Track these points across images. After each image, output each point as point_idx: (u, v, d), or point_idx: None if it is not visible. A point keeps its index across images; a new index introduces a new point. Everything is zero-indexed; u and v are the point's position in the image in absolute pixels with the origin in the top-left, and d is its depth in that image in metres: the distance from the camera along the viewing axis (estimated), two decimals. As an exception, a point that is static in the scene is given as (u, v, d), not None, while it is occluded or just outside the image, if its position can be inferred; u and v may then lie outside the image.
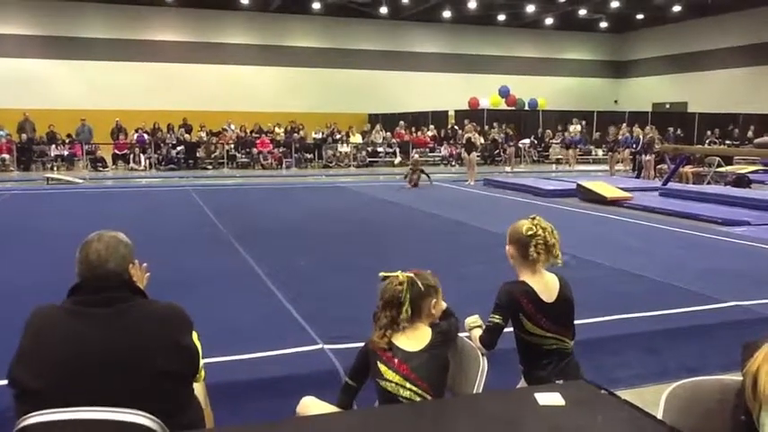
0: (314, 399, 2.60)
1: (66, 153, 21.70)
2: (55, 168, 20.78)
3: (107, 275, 2.15)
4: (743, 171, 16.93)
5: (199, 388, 2.44)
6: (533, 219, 2.95)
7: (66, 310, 2.11)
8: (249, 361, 4.33)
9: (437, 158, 25.41)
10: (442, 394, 2.53)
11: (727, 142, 26.06)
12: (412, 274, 2.54)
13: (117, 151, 22.41)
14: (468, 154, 18.09)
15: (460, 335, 2.90)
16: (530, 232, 2.88)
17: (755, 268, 7.34)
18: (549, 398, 2.22)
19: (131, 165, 21.94)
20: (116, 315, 2.08)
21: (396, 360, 2.46)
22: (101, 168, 21.45)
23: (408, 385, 2.42)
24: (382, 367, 2.47)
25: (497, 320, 2.87)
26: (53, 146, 21.67)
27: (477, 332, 2.97)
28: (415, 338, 2.51)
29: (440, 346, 2.54)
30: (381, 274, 2.57)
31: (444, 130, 26.76)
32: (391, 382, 2.44)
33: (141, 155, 22.16)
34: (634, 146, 19.77)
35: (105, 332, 2.05)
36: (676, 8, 29.65)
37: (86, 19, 28.03)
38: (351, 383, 2.61)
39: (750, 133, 26.23)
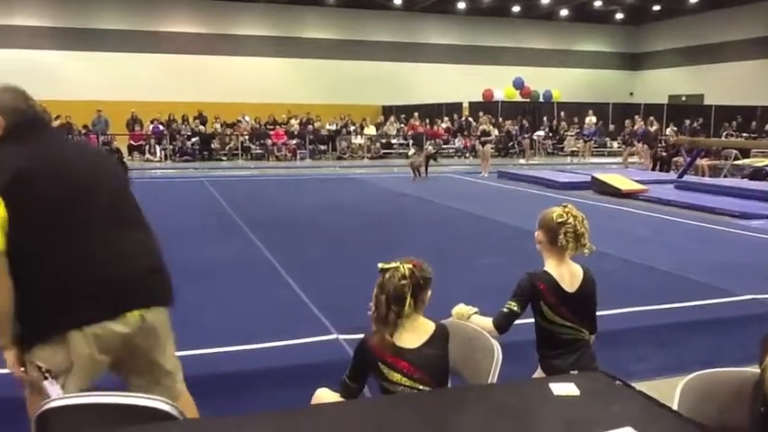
0: (328, 390, 2.59)
1: (82, 144, 21.83)
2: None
3: (37, 115, 2.57)
4: (760, 164, 16.76)
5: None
6: (565, 207, 2.95)
7: (39, 142, 2.46)
8: (264, 350, 4.37)
9: (451, 150, 25.35)
10: (446, 385, 2.49)
11: (744, 135, 25.80)
12: (411, 266, 2.44)
13: (133, 142, 22.54)
14: (483, 146, 18.04)
15: (468, 323, 2.90)
16: (560, 219, 2.88)
17: (772, 261, 7.29)
18: (564, 388, 2.22)
19: (147, 156, 22.07)
20: (70, 139, 2.57)
21: (399, 360, 2.39)
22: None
23: (413, 384, 2.37)
24: (385, 369, 2.39)
25: (514, 308, 2.88)
26: (69, 137, 21.80)
27: (479, 318, 2.97)
28: (414, 332, 2.43)
29: (442, 340, 2.47)
30: (380, 265, 2.44)
31: (458, 122, 26.68)
32: (395, 383, 2.38)
33: (157, 146, 22.28)
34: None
35: (81, 151, 2.72)
36: (692, -1, 29.39)
37: (102, 10, 28.16)
38: (353, 385, 2.51)
39: (768, 126, 25.96)
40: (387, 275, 2.40)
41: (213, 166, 20.27)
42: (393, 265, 2.43)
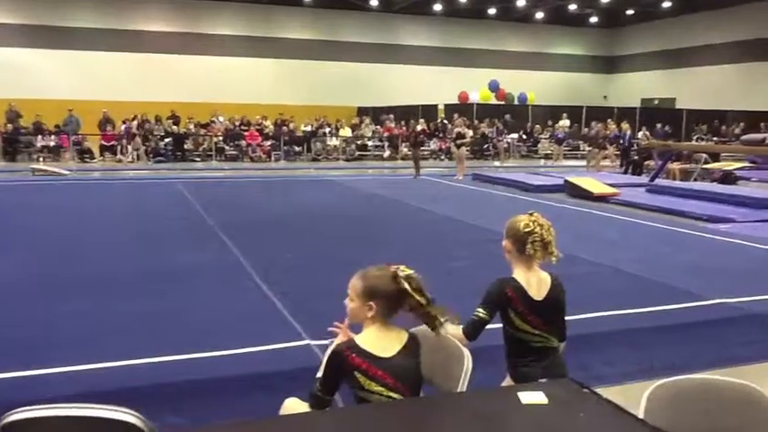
0: (298, 400, 2.55)
1: (52, 144, 21.51)
2: (41, 159, 20.60)
3: None
4: (729, 168, 17.04)
5: None
6: (531, 215, 2.96)
7: None
8: (234, 356, 4.33)
9: (426, 152, 25.38)
10: (419, 394, 2.48)
11: (715, 139, 26.20)
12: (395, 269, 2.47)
13: (104, 142, 22.25)
14: (458, 148, 18.11)
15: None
16: (527, 229, 2.89)
17: (740, 265, 7.40)
18: (532, 396, 2.24)
19: (119, 156, 21.80)
20: None
21: (375, 369, 2.36)
22: (88, 160, 21.30)
23: (388, 393, 2.35)
24: (362, 378, 2.36)
25: (482, 315, 2.88)
26: (39, 136, 21.48)
27: (450, 326, 2.97)
28: (387, 340, 2.43)
29: (415, 349, 2.47)
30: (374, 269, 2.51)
31: (434, 124, 26.74)
32: (372, 392, 2.35)
33: (129, 146, 22.00)
34: (621, 141, 19.98)
35: None
36: (666, 4, 29.79)
37: (74, 8, 27.80)
38: (324, 397, 2.41)
39: (737, 130, 26.39)
40: (373, 277, 2.46)
41: (186, 167, 20.07)
42: (384, 269, 2.48)
